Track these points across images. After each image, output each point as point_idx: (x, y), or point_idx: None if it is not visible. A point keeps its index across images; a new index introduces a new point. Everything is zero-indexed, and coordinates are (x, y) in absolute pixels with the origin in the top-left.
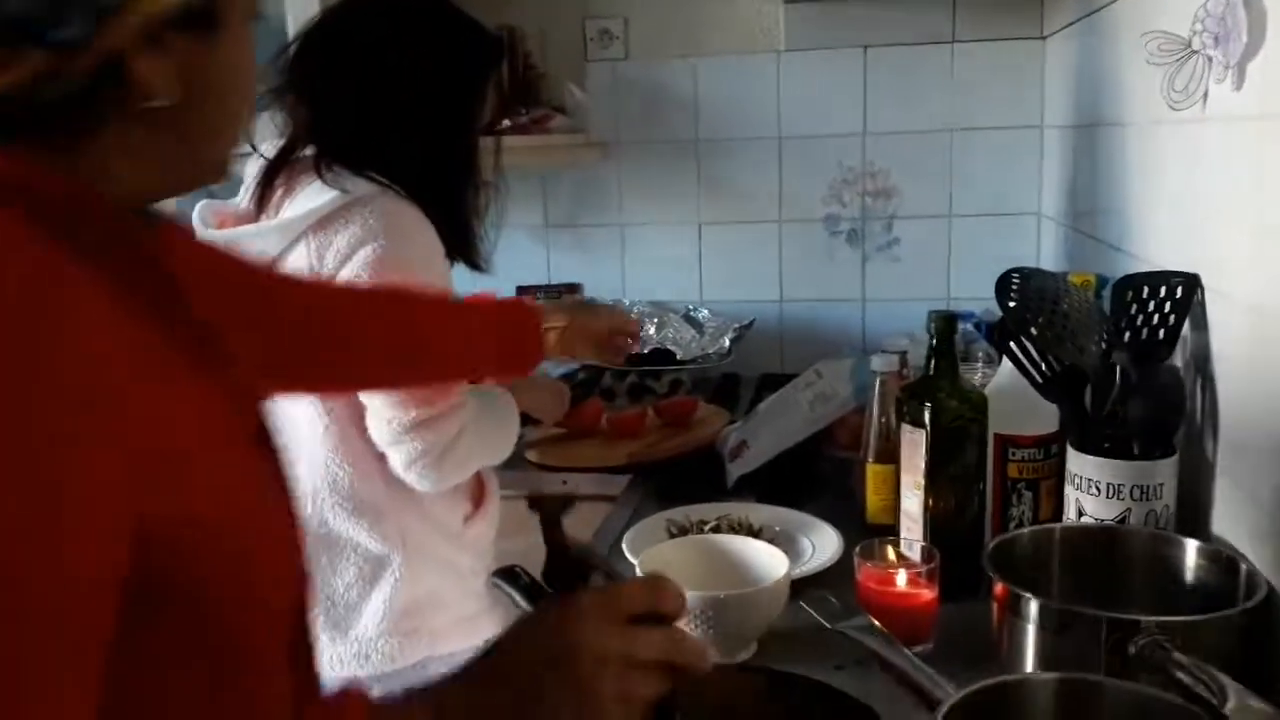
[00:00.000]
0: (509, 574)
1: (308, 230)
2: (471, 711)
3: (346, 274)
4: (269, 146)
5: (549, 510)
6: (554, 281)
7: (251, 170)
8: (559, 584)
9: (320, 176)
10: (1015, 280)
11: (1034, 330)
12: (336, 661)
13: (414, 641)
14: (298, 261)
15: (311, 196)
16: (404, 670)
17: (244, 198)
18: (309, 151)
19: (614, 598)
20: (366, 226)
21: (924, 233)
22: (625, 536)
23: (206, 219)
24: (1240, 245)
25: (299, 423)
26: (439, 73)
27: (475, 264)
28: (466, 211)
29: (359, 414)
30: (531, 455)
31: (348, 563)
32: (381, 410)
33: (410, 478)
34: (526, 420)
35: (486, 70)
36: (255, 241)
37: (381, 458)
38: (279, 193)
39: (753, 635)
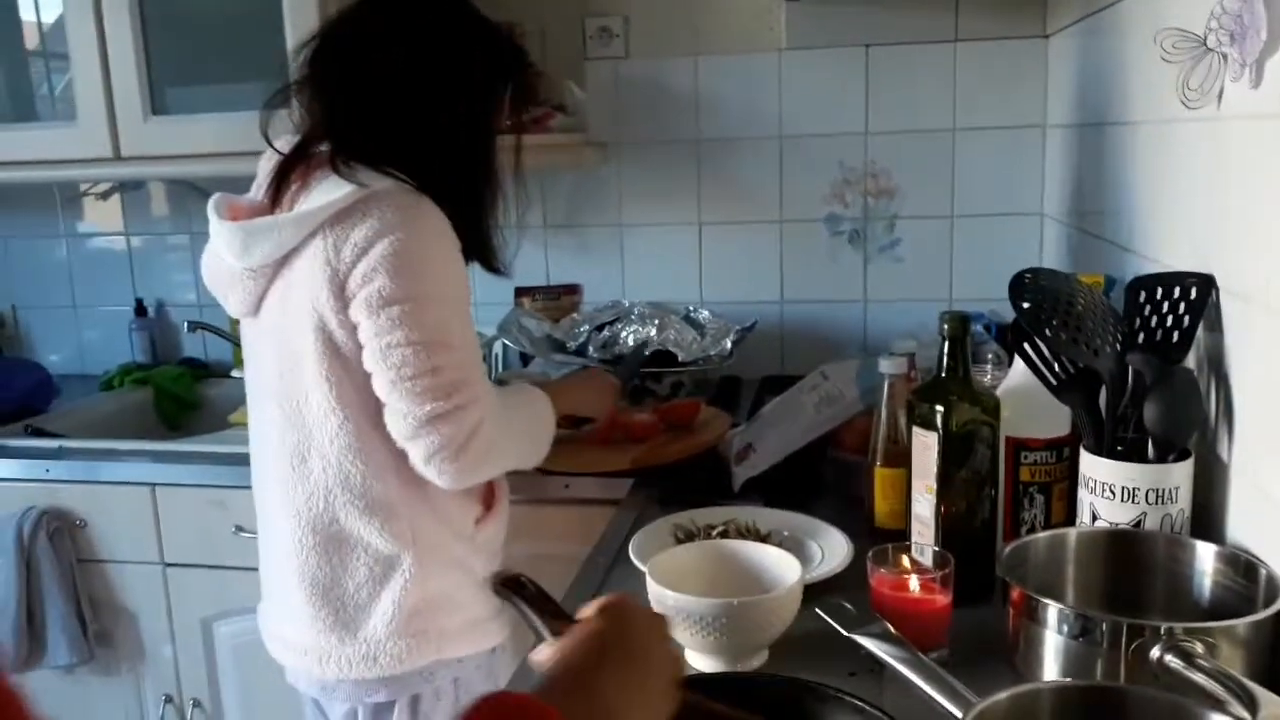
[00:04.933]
0: (514, 582)
1: (324, 223)
2: (597, 669)
3: (363, 268)
4: (284, 143)
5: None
6: (553, 283)
7: (265, 166)
8: None
9: (336, 171)
10: (1028, 280)
11: (1049, 331)
12: (345, 663)
13: (423, 644)
14: (314, 255)
15: (328, 190)
16: (410, 674)
17: (257, 191)
18: (324, 148)
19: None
20: (384, 220)
21: (926, 233)
22: (632, 541)
23: (220, 210)
24: (1257, 245)
25: (313, 418)
26: (455, 74)
27: (494, 268)
28: (485, 214)
29: (373, 410)
30: None
31: (358, 562)
32: (398, 405)
33: (430, 473)
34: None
35: (503, 73)
36: (271, 234)
37: (397, 455)
38: (294, 187)
39: (765, 642)
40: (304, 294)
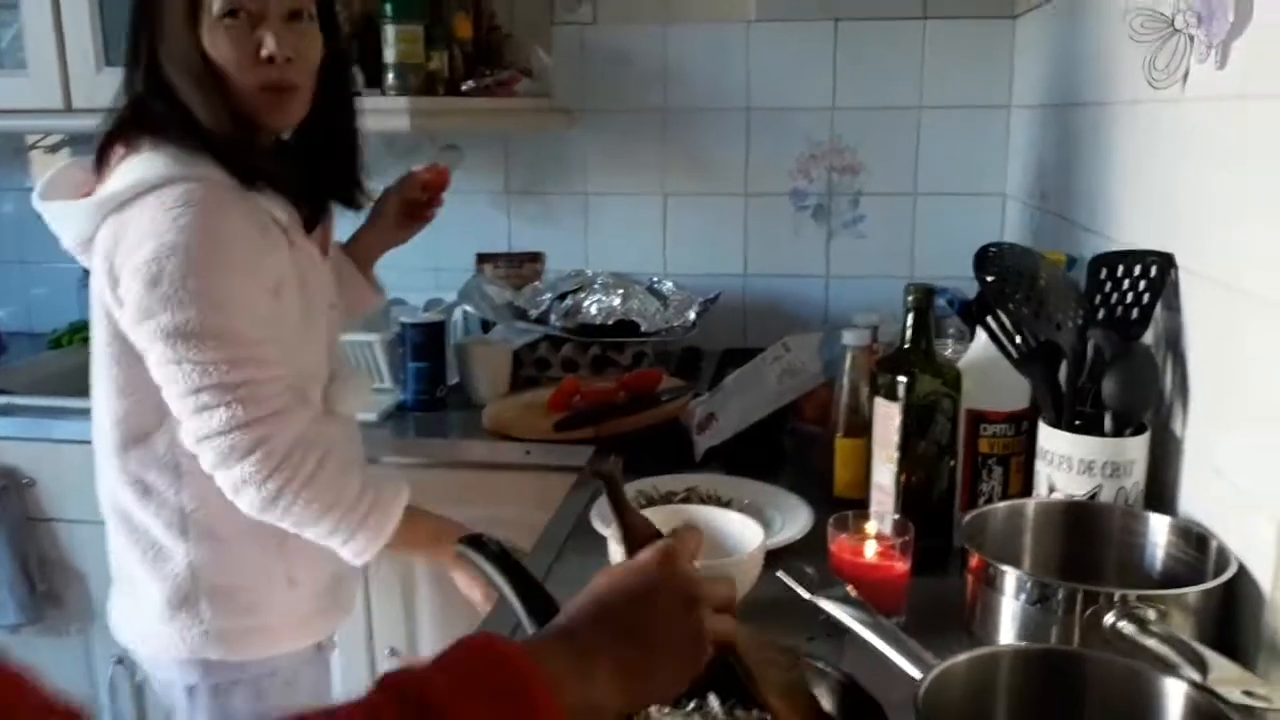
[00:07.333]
0: (476, 542)
1: (110, 214)
2: (596, 629)
3: (133, 262)
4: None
5: (615, 480)
6: (514, 250)
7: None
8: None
9: (127, 148)
10: (993, 254)
11: (1012, 305)
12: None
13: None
14: (98, 247)
15: (120, 175)
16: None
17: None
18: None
19: (684, 548)
20: (156, 220)
21: (889, 210)
22: (594, 507)
23: (65, 186)
24: (1215, 225)
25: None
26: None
27: (354, 206)
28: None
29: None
30: (489, 424)
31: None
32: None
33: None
34: None
35: None
36: (69, 221)
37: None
38: (113, 161)
39: None
40: (96, 283)
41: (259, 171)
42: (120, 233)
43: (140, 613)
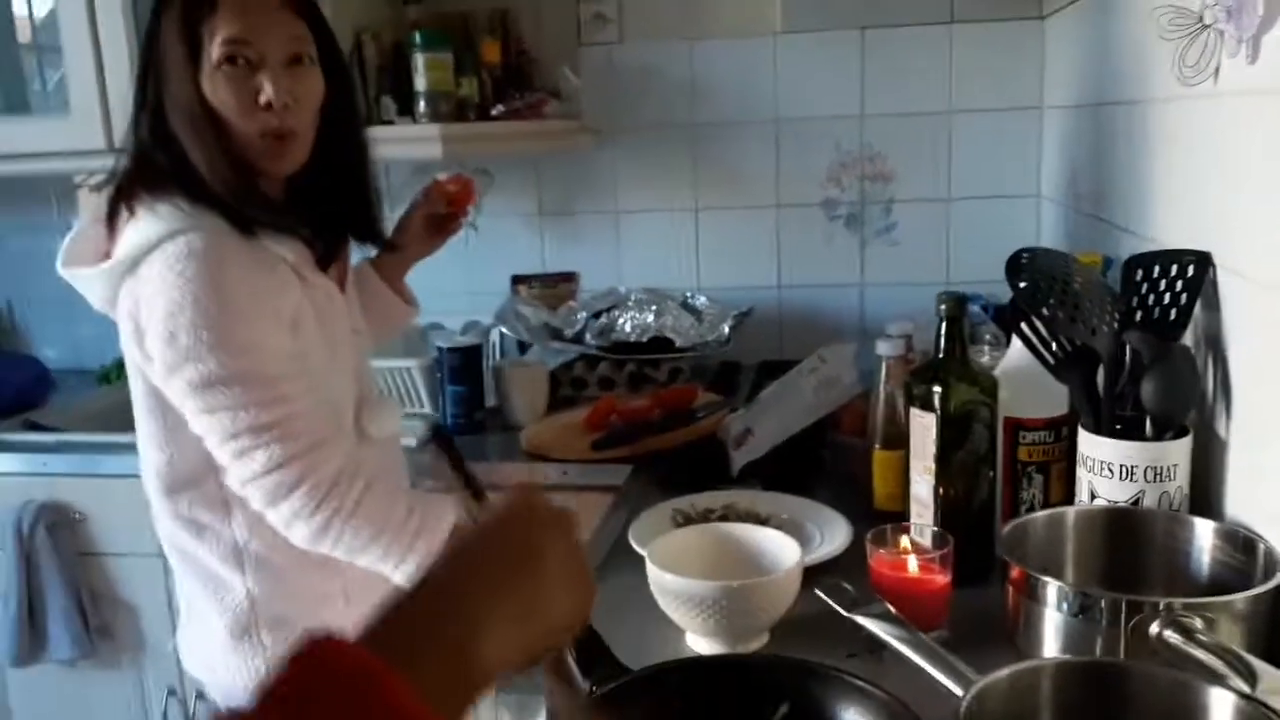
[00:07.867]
0: (448, 442)
1: (124, 277)
2: (470, 585)
3: (153, 324)
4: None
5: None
6: (549, 270)
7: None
8: None
9: (128, 208)
10: (1025, 259)
11: (1045, 310)
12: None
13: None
14: (121, 307)
15: (128, 235)
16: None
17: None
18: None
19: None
20: (164, 278)
21: (922, 216)
22: (631, 526)
23: (84, 249)
24: (1253, 222)
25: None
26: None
27: (375, 240)
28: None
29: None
30: (527, 446)
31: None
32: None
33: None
34: None
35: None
36: (90, 285)
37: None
38: (120, 223)
39: (765, 625)
40: (126, 344)
41: (257, 221)
42: (137, 293)
43: (206, 643)
